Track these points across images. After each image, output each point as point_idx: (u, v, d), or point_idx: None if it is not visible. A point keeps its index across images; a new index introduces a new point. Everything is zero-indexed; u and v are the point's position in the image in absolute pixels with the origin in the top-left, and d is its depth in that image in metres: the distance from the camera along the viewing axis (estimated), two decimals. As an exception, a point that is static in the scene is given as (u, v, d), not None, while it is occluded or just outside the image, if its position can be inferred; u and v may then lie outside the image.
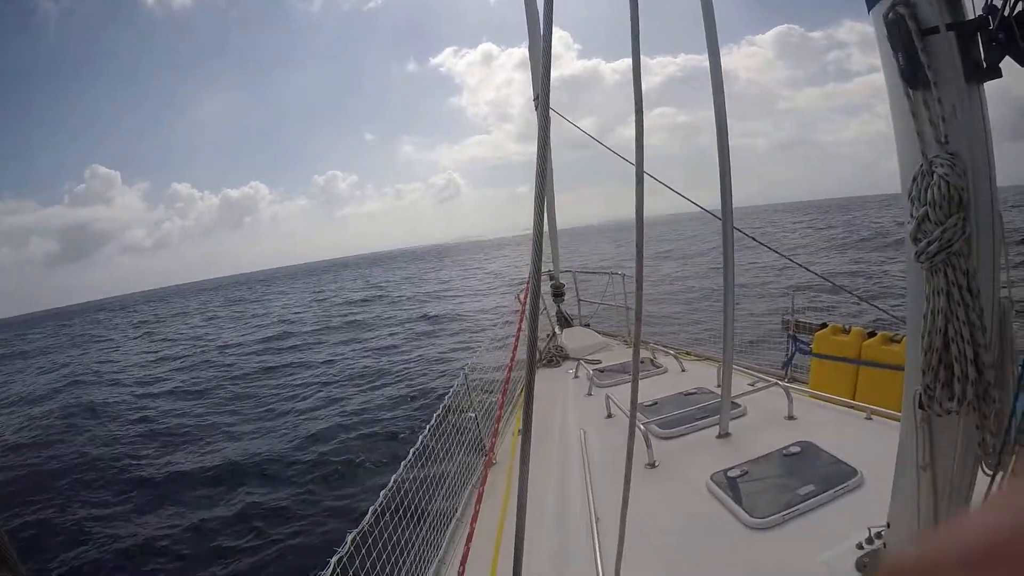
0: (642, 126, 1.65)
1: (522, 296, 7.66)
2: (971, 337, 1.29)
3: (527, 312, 1.25)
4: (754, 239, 4.76)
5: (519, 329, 5.55)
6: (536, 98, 7.37)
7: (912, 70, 1.22)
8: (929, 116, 1.26)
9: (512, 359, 5.17)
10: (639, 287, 1.83)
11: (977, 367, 1.30)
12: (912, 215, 1.31)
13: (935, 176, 1.25)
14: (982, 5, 1.17)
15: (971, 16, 1.20)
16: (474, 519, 3.44)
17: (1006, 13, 1.12)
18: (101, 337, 45.71)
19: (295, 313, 39.21)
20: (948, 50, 1.19)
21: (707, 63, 3.31)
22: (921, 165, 1.29)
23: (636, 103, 1.62)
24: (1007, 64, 1.17)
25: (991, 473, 1.36)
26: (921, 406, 1.40)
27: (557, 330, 7.78)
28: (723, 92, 3.30)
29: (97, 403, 17.15)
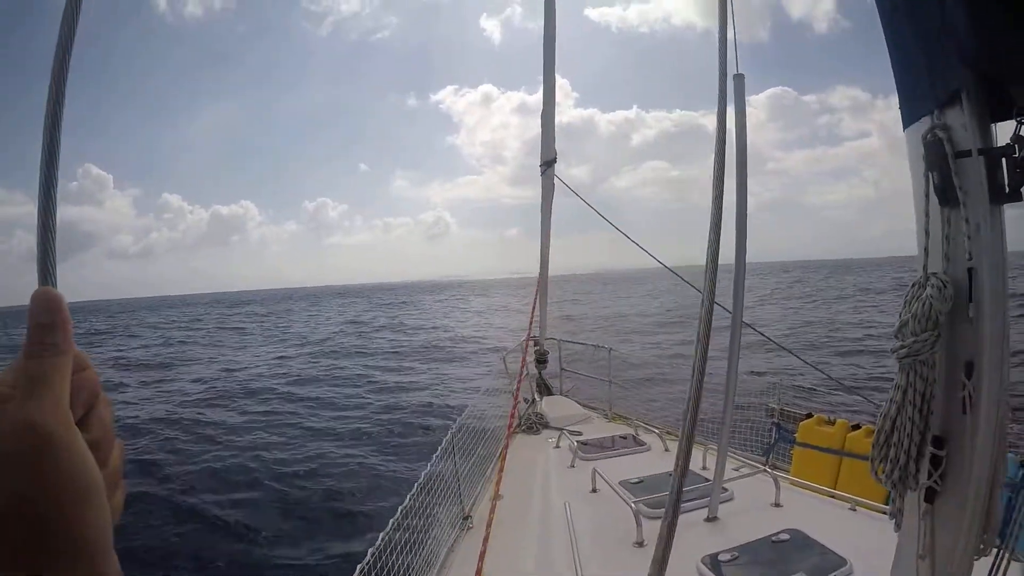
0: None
1: (507, 359, 7.72)
2: (910, 432, 1.44)
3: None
4: (763, 334, 4.87)
5: (516, 395, 5.60)
6: (542, 163, 7.62)
7: (944, 188, 1.34)
8: (950, 232, 1.38)
9: (510, 424, 5.18)
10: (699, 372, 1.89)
11: (907, 457, 1.46)
12: (900, 315, 1.45)
13: (925, 292, 1.37)
14: (1010, 134, 1.30)
15: (997, 143, 1.33)
16: None
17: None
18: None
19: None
20: (977, 173, 1.30)
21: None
22: (920, 277, 1.42)
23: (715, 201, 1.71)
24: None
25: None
26: (928, 499, 1.48)
27: (537, 397, 7.79)
28: (746, 167, 3.42)
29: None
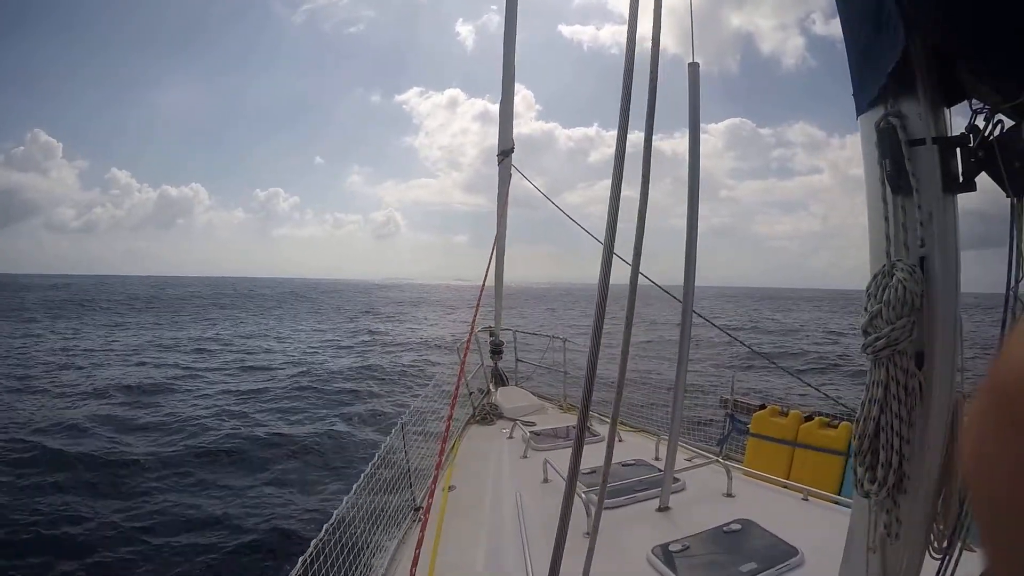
0: (642, 231, 1.70)
1: (463, 350, 7.68)
2: (899, 430, 1.37)
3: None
4: (713, 323, 4.90)
5: (458, 384, 5.55)
6: (500, 153, 7.59)
7: (897, 176, 1.32)
8: (905, 220, 1.35)
9: (451, 415, 5.14)
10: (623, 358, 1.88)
11: (900, 457, 1.38)
12: (867, 309, 1.40)
13: (894, 278, 1.34)
14: (965, 124, 1.28)
15: (951, 132, 1.31)
16: (399, 573, 3.37)
17: (986, 134, 1.24)
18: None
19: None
20: (930, 161, 1.28)
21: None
22: (884, 265, 1.38)
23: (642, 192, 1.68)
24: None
25: (939, 557, 1.42)
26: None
27: (492, 387, 7.78)
28: (698, 179, 3.46)
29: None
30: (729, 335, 5.69)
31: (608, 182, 1.80)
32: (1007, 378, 0.29)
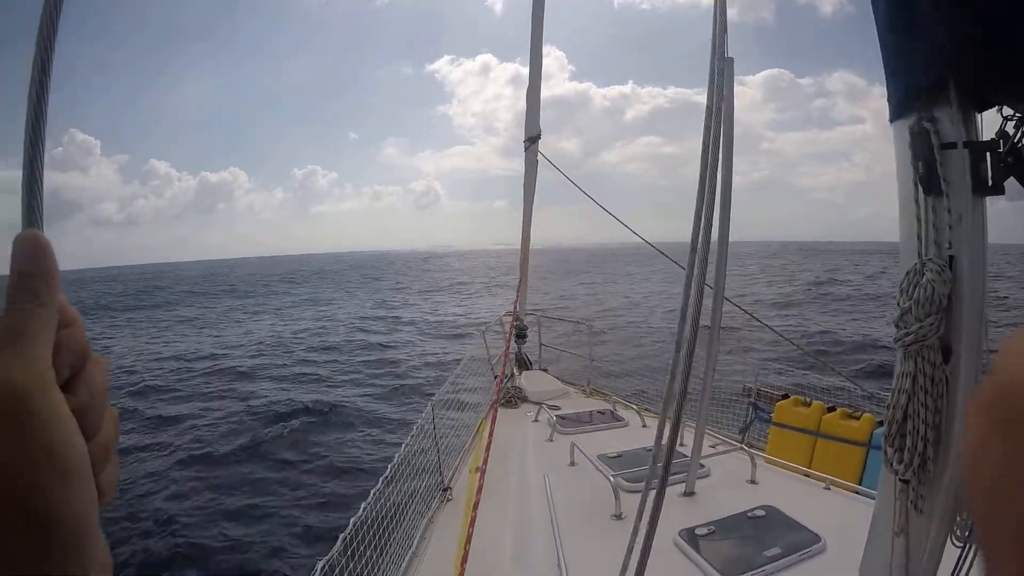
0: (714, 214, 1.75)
1: (487, 333, 7.79)
2: (925, 418, 1.45)
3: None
4: (745, 310, 4.93)
5: (504, 368, 5.65)
6: (526, 139, 7.58)
7: (928, 178, 1.38)
8: (935, 221, 1.42)
9: (496, 398, 5.23)
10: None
11: (925, 443, 1.45)
12: (899, 304, 1.47)
13: (925, 278, 1.40)
14: (995, 130, 1.34)
15: (982, 137, 1.37)
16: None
17: (1015, 140, 1.29)
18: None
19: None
20: (961, 165, 1.34)
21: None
22: (915, 263, 1.45)
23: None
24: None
25: (961, 545, 1.49)
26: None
27: (516, 371, 7.88)
28: (731, 147, 3.45)
29: None
30: (763, 323, 5.71)
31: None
32: (1000, 378, 0.32)
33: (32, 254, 0.41)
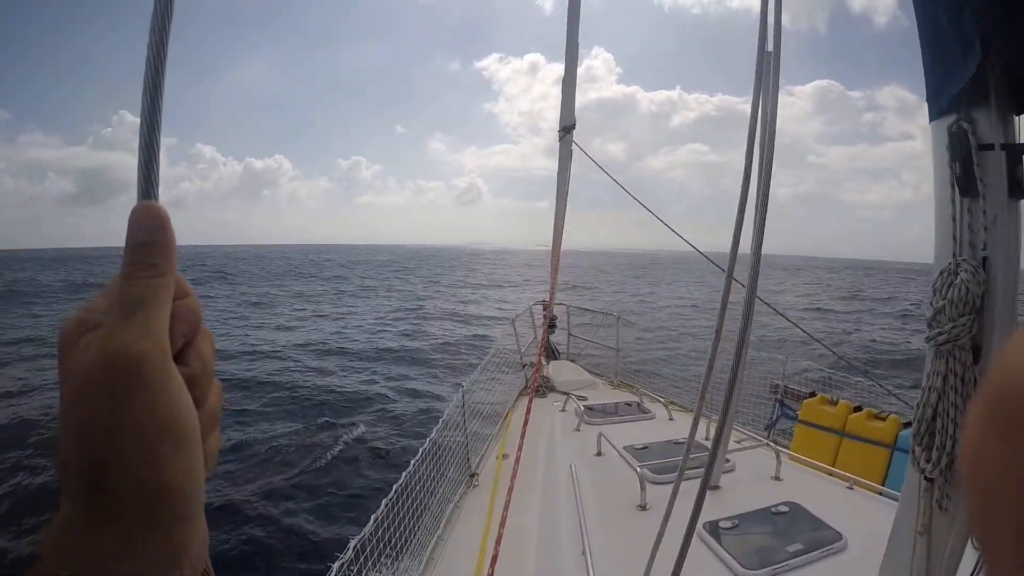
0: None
1: (516, 323, 7.84)
2: (954, 417, 1.45)
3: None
4: (776, 309, 4.90)
5: (540, 358, 5.68)
6: (561, 128, 7.54)
7: (965, 179, 1.38)
8: (970, 222, 1.42)
9: (533, 387, 5.27)
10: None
11: (954, 442, 1.46)
12: (932, 304, 1.48)
13: (959, 278, 1.41)
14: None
15: (1020, 140, 1.37)
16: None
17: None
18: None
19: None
20: (998, 166, 1.35)
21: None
22: (949, 263, 1.45)
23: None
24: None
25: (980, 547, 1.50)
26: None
27: (544, 360, 7.92)
28: (773, 148, 3.43)
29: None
30: (792, 323, 5.66)
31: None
32: (998, 380, 0.31)
33: (150, 225, 0.42)
